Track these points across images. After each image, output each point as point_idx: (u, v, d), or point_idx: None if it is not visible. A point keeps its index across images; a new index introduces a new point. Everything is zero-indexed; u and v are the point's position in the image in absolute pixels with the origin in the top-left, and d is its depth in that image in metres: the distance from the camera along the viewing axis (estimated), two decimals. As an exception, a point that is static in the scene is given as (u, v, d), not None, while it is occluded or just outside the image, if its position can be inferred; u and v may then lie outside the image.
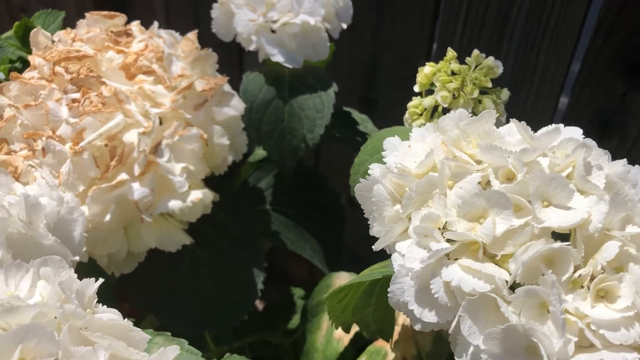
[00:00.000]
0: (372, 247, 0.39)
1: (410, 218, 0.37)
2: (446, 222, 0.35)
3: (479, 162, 0.37)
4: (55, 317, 0.34)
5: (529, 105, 1.00)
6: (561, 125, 0.38)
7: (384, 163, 0.58)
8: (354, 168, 0.62)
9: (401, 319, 0.63)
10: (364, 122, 0.92)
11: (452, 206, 0.35)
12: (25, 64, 1.01)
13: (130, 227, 0.60)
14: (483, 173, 0.35)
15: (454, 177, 0.36)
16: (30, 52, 0.99)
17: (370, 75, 1.10)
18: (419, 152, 0.39)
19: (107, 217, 0.57)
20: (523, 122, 0.37)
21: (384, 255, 0.98)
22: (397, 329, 0.61)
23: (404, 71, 1.06)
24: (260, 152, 0.89)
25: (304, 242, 0.79)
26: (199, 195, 0.59)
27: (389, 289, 0.36)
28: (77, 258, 0.53)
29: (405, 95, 1.09)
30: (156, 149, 0.58)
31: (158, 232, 0.60)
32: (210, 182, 0.65)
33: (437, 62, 1.02)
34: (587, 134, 0.40)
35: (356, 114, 0.92)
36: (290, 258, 1.24)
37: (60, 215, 0.52)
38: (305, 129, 0.75)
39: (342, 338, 0.68)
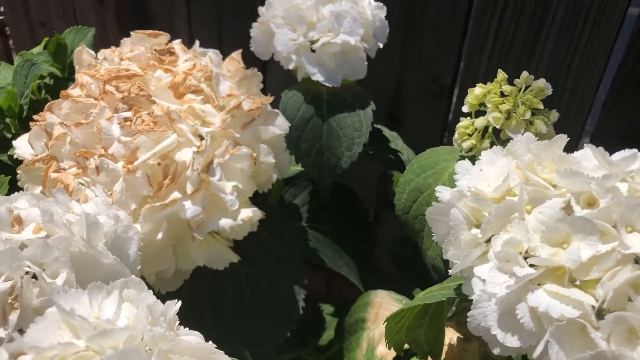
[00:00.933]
0: (451, 272, 0.39)
1: (487, 242, 0.38)
2: (528, 247, 0.35)
3: (555, 187, 0.37)
4: (142, 339, 0.34)
5: (557, 123, 1.00)
6: (635, 150, 0.38)
7: (433, 183, 0.58)
8: (400, 187, 0.63)
9: (447, 339, 0.63)
10: (394, 139, 0.92)
11: (534, 231, 0.35)
12: (57, 80, 1.02)
13: (179, 245, 0.61)
14: (563, 198, 0.36)
15: (532, 202, 0.37)
16: (60, 68, 1.00)
17: (397, 92, 1.11)
18: (491, 175, 0.40)
19: (159, 236, 0.57)
20: (600, 148, 0.37)
21: (407, 273, 0.98)
22: (444, 349, 0.61)
23: (431, 89, 1.07)
24: (291, 169, 0.89)
25: (340, 259, 0.79)
26: (249, 214, 0.59)
27: (469, 314, 0.36)
28: (133, 277, 0.53)
29: (431, 113, 1.10)
30: (208, 168, 0.58)
31: (206, 250, 0.61)
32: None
33: (464, 81, 1.03)
34: (615, 151, 0.40)
35: (386, 131, 0.92)
36: (309, 273, 1.25)
37: (116, 234, 0.52)
38: (344, 146, 0.75)
39: (384, 357, 0.68)
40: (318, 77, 0.73)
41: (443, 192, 0.42)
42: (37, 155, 0.65)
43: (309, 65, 0.73)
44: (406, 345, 0.64)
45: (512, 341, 0.35)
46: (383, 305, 0.72)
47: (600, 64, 0.91)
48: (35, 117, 0.66)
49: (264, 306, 0.67)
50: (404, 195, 0.62)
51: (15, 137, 0.96)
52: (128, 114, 0.59)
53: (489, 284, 0.35)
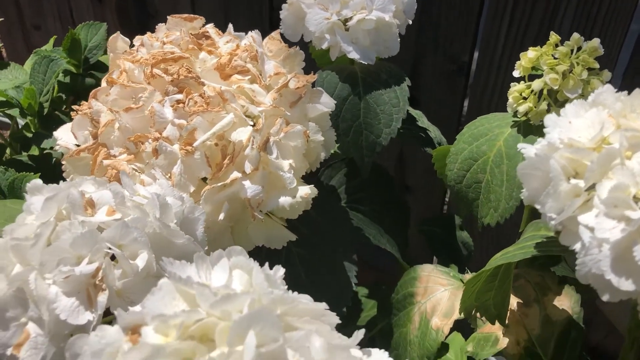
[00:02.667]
0: (551, 224, 0.39)
1: (587, 191, 0.38)
2: (635, 192, 0.36)
3: (652, 133, 0.38)
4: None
5: (576, 95, 1.01)
6: None
7: (488, 150, 0.58)
8: (451, 158, 0.63)
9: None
10: (420, 117, 0.93)
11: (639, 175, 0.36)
12: (73, 77, 1.01)
13: (237, 227, 0.60)
14: (665, 142, 0.36)
15: (632, 148, 0.37)
16: (76, 64, 0.99)
17: (413, 73, 1.11)
18: (580, 127, 0.40)
19: (221, 216, 0.57)
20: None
21: (438, 249, 0.98)
22: (506, 314, 0.61)
23: (448, 68, 1.08)
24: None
25: (382, 237, 0.79)
26: (308, 191, 0.59)
27: (577, 262, 0.37)
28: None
29: (449, 93, 1.10)
30: (265, 146, 0.58)
31: (264, 230, 0.60)
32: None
33: (481, 60, 1.03)
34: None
35: (411, 110, 0.92)
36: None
37: (184, 215, 0.52)
38: (382, 124, 0.75)
39: (440, 328, 0.68)
40: (354, 54, 0.73)
41: (527, 148, 0.42)
42: (79, 145, 0.64)
43: (345, 44, 0.73)
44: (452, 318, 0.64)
45: (626, 285, 0.35)
46: (431, 279, 0.72)
47: (619, 35, 0.92)
48: (75, 107, 0.65)
49: (318, 286, 0.67)
50: (456, 165, 0.63)
51: (36, 136, 0.95)
52: (180, 96, 0.58)
53: (598, 230, 0.36)
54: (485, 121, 0.62)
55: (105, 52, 1.01)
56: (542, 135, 0.57)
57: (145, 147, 0.57)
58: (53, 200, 0.46)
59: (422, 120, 0.92)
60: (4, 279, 0.45)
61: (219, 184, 0.56)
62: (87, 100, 1.09)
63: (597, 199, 0.36)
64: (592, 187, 0.38)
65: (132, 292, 0.45)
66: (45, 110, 0.91)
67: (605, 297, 0.37)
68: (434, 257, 1.19)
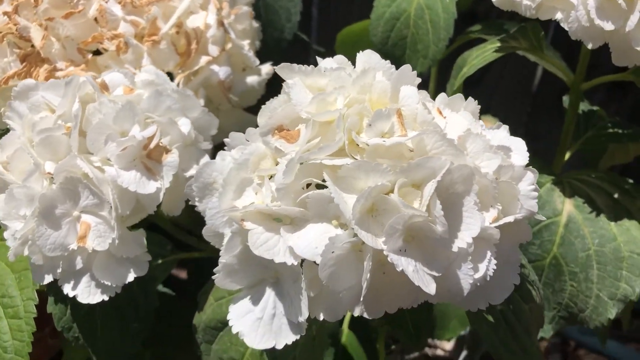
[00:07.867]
0: (529, 10, 0.48)
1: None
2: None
3: None
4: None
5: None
6: None
7: (408, 6, 0.66)
8: (373, 24, 0.69)
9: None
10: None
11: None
12: None
13: (208, 116, 0.60)
14: None
15: None
16: None
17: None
18: None
19: (201, 102, 0.57)
20: None
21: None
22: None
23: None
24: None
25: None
26: (270, 68, 0.61)
27: (569, 21, 0.46)
28: (215, 131, 0.53)
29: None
30: (222, 28, 0.58)
31: (234, 118, 0.61)
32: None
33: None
34: None
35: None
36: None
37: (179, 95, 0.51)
38: (283, 19, 0.79)
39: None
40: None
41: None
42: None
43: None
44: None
45: (608, 26, 0.45)
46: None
47: None
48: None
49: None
50: (380, 29, 0.69)
51: None
52: (122, -7, 0.56)
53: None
54: (397, -14, 0.70)
55: None
56: (449, -18, 0.66)
57: (106, 45, 0.54)
58: (71, 86, 0.42)
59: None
60: (40, 177, 0.41)
61: (193, 70, 0.56)
62: None
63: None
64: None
65: (182, 160, 0.45)
66: None
67: (590, 45, 0.47)
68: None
